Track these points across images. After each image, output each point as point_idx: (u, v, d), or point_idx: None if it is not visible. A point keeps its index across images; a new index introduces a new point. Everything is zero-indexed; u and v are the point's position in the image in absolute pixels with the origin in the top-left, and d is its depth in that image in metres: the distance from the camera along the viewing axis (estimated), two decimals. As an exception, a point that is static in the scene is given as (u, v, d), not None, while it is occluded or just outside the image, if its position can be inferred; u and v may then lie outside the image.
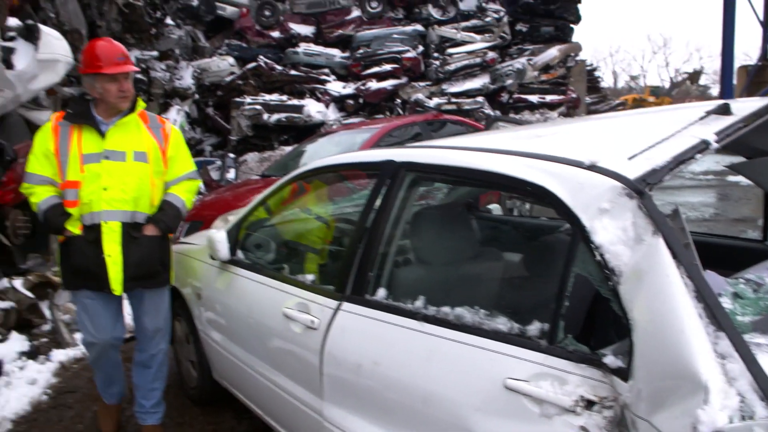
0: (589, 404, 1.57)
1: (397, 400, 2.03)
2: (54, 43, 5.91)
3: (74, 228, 2.98)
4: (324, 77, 16.31)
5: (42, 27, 5.83)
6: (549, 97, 15.89)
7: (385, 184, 2.32)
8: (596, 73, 30.71)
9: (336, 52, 17.21)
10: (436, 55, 16.63)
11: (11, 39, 5.68)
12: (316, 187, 3.51)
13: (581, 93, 19.06)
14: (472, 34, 16.65)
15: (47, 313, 5.35)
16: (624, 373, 1.50)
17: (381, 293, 2.21)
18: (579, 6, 17.73)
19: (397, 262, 2.41)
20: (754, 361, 1.29)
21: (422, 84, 16.26)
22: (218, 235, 3.15)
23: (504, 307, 1.97)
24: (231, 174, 11.58)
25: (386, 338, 2.09)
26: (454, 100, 15.47)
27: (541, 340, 1.73)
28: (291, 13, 18.07)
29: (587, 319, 1.74)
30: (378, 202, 2.32)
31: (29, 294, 5.19)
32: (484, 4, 17.24)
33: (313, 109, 15.19)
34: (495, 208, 3.94)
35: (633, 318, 1.48)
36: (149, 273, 3.08)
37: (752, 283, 1.84)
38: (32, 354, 4.50)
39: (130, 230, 3.00)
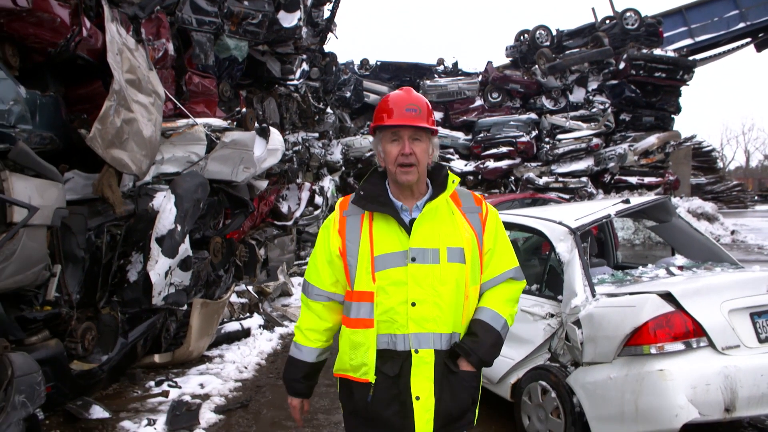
0: (551, 315, 4.09)
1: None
2: (276, 138, 9.12)
3: (369, 373, 2.19)
4: (449, 156, 19.32)
5: (271, 128, 9.06)
6: (647, 179, 17.88)
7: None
8: (715, 153, 31.41)
9: (460, 135, 20.38)
10: (547, 139, 19.27)
11: (253, 134, 8.92)
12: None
13: (685, 175, 20.70)
14: (579, 123, 19.15)
15: (262, 310, 8.32)
16: (561, 300, 4.04)
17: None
18: (679, 99, 19.71)
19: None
20: (593, 288, 3.83)
21: (534, 164, 18.93)
22: None
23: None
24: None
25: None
26: (561, 179, 17.92)
27: (536, 291, 4.29)
28: (423, 101, 21.44)
29: (553, 282, 4.28)
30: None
31: (256, 295, 8.18)
32: (591, 97, 19.75)
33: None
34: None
35: (563, 279, 4.02)
36: (460, 415, 2.26)
37: (625, 272, 4.30)
38: (266, 327, 7.41)
39: (447, 361, 2.21)
